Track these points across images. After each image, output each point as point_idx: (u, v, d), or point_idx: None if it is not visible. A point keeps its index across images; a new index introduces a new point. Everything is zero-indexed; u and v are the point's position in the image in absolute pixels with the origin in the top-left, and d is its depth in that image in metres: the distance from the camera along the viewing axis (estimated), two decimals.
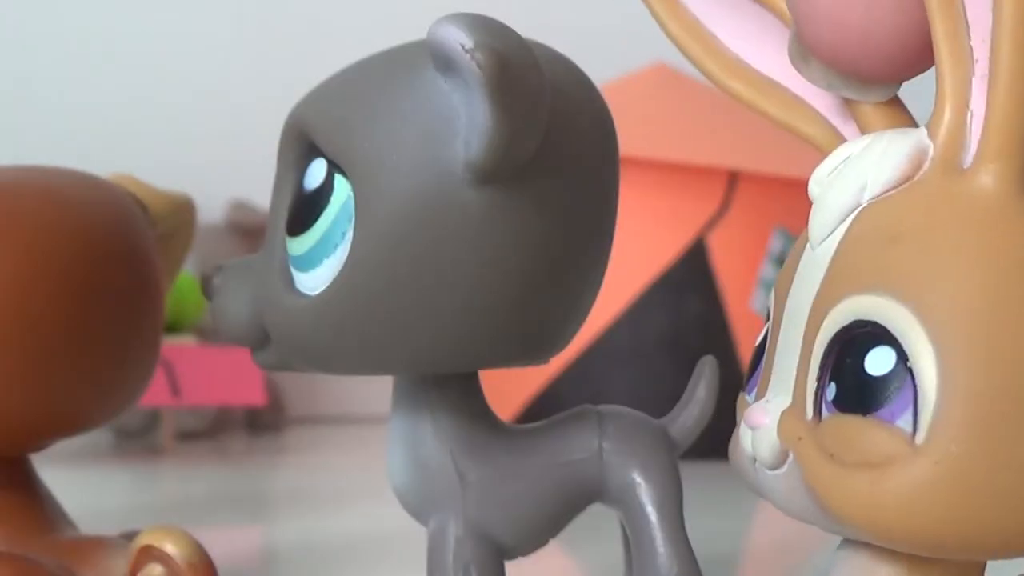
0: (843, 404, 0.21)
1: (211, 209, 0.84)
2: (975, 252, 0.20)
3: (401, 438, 0.29)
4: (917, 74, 0.24)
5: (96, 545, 0.33)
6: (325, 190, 0.26)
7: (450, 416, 0.29)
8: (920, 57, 0.23)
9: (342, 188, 0.26)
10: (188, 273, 0.76)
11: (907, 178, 0.22)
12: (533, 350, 0.28)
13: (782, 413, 0.23)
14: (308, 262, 0.27)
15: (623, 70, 0.78)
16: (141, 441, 0.80)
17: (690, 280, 0.71)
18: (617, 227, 0.29)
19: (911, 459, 0.20)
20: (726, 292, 0.71)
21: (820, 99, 0.25)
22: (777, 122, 0.26)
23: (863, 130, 0.24)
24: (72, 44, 0.95)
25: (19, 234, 0.31)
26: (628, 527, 0.30)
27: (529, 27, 0.27)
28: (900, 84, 0.24)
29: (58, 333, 0.31)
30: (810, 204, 0.24)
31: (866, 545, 0.23)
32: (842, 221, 0.23)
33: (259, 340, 0.28)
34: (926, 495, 0.20)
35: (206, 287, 0.29)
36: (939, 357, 0.20)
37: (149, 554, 0.30)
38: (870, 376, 0.21)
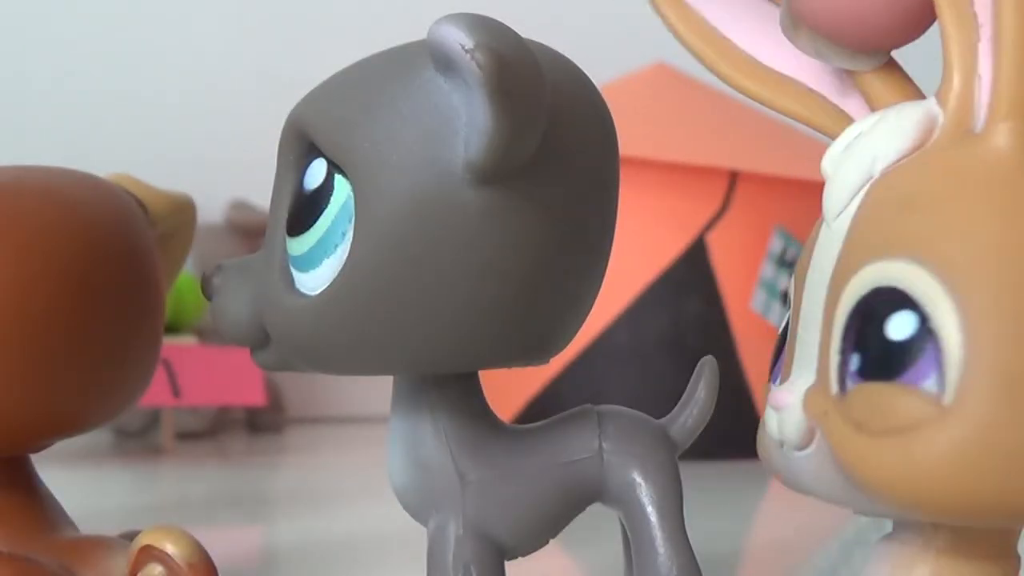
0: (867, 372, 0.21)
1: (211, 209, 0.84)
2: (991, 210, 0.20)
3: (401, 438, 0.29)
4: (908, 41, 0.24)
5: (96, 545, 0.33)
6: (325, 190, 0.26)
7: (450, 416, 0.29)
8: (910, 24, 0.23)
9: (342, 188, 0.26)
10: (188, 273, 0.76)
11: (918, 147, 0.22)
12: (533, 350, 0.28)
13: (806, 390, 0.23)
14: (308, 262, 0.27)
15: (623, 70, 0.78)
16: (141, 441, 0.80)
17: (690, 280, 0.71)
18: (617, 227, 0.29)
19: (940, 420, 0.20)
20: (726, 292, 0.71)
21: (829, 87, 0.25)
22: (794, 116, 0.26)
23: (868, 102, 0.24)
24: (72, 44, 0.95)
25: (19, 234, 0.31)
26: (628, 527, 0.30)
27: (529, 27, 0.27)
28: (890, 51, 0.24)
29: (58, 333, 0.31)
30: (815, 196, 0.24)
31: (905, 541, 0.23)
32: (856, 195, 0.23)
33: (259, 340, 0.28)
34: (958, 455, 0.20)
35: (206, 287, 0.29)
36: (962, 317, 0.20)
37: (149, 554, 0.30)
38: (892, 341, 0.21)
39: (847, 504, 0.22)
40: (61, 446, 0.36)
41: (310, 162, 0.27)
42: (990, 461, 0.20)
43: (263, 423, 0.89)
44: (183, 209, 0.37)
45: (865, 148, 0.23)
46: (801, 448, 0.23)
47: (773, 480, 0.23)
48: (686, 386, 0.32)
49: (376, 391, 0.88)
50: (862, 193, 0.23)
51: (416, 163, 0.25)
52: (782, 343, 0.25)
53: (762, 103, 0.26)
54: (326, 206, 0.26)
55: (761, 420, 0.25)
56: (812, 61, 0.25)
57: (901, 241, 0.21)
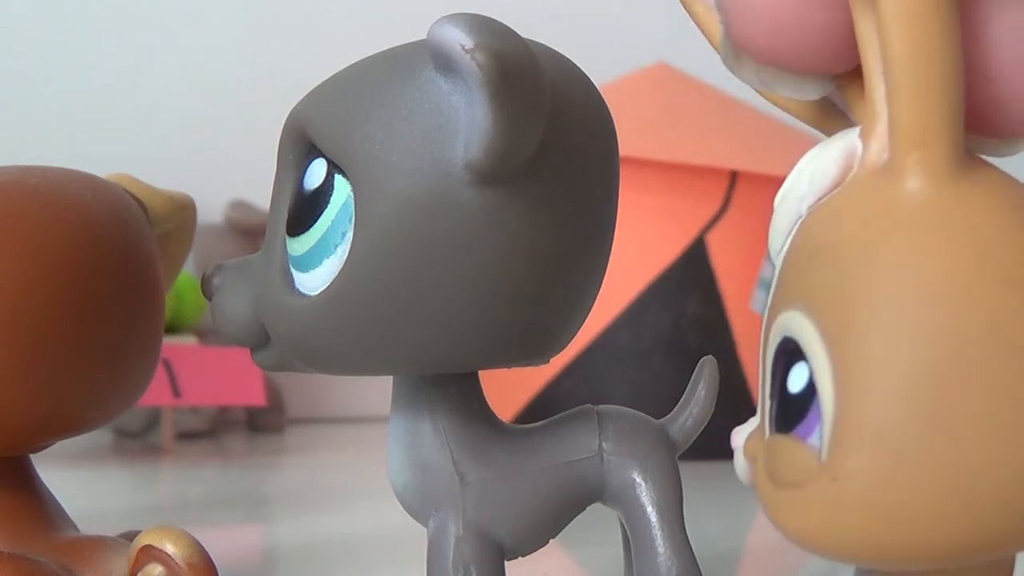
0: (777, 423, 0.21)
1: (211, 209, 0.84)
2: (883, 255, 0.20)
3: (401, 438, 0.29)
4: (851, 68, 0.23)
5: (96, 545, 0.33)
6: (325, 190, 0.26)
7: (450, 416, 0.29)
8: (854, 52, 0.23)
9: (342, 188, 0.26)
10: (188, 273, 0.76)
11: (838, 183, 0.22)
12: (533, 350, 0.28)
13: (750, 434, 0.23)
14: (308, 262, 0.27)
15: (623, 70, 0.78)
16: (141, 441, 0.80)
17: (690, 280, 0.71)
18: (617, 227, 0.29)
19: (819, 476, 0.20)
20: (726, 292, 0.71)
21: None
22: (785, 108, 0.25)
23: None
24: (71, 43, 0.95)
25: (19, 234, 0.31)
26: (628, 527, 0.30)
27: (529, 27, 0.27)
28: (834, 80, 0.24)
29: (58, 333, 0.31)
30: None
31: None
32: (789, 234, 0.22)
33: (259, 340, 0.28)
34: (834, 511, 0.20)
35: (206, 287, 0.29)
36: (835, 370, 0.20)
37: (149, 554, 0.30)
38: (791, 394, 0.21)
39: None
40: (61, 446, 0.36)
41: (310, 162, 0.27)
42: (863, 517, 0.19)
43: (263, 423, 0.89)
44: (183, 209, 0.37)
45: (796, 185, 0.22)
46: (751, 486, 0.23)
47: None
48: (686, 386, 0.32)
49: (376, 391, 0.88)
50: (792, 232, 0.22)
51: (416, 163, 0.25)
52: None
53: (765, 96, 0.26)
54: (326, 206, 0.26)
55: None
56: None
57: (802, 290, 0.21)
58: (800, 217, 0.22)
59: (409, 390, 0.29)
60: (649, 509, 0.30)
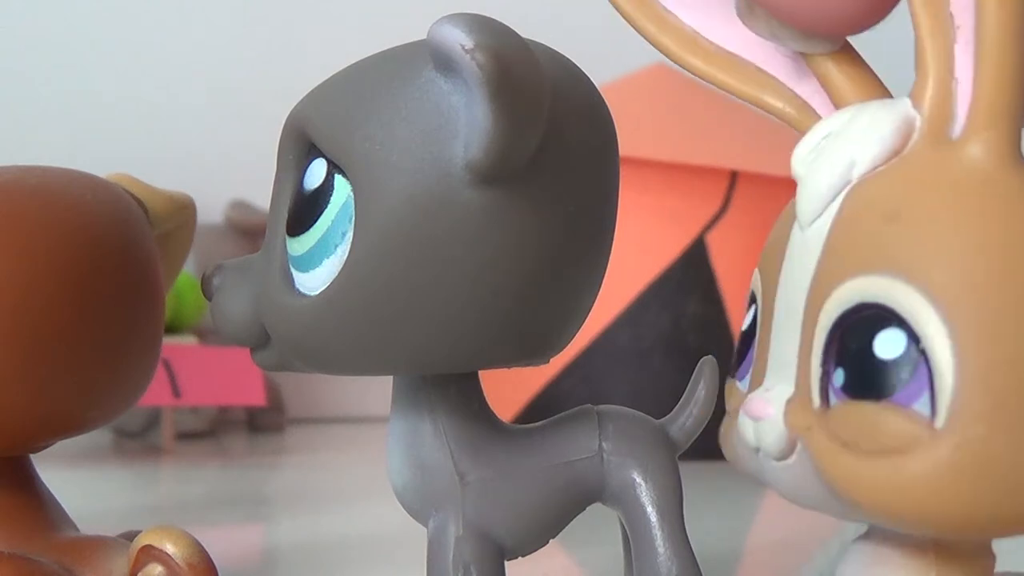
0: (853, 390, 0.21)
1: (211, 209, 0.84)
2: (975, 227, 0.20)
3: (401, 438, 0.29)
4: (866, 28, 0.23)
5: (96, 545, 0.33)
6: (325, 190, 0.26)
7: (450, 416, 0.29)
8: (869, 10, 0.23)
9: (342, 188, 0.26)
10: (188, 273, 0.76)
11: (896, 152, 0.22)
12: (533, 350, 0.28)
13: (787, 402, 0.22)
14: (308, 262, 0.27)
15: (623, 70, 0.78)
16: (141, 441, 0.80)
17: (690, 280, 0.71)
18: (617, 227, 0.29)
19: (933, 443, 0.20)
20: (726, 292, 0.71)
21: (782, 69, 0.25)
22: (742, 95, 0.26)
23: (824, 85, 0.24)
24: (72, 43, 0.95)
25: (19, 234, 0.31)
26: (628, 527, 0.30)
27: (529, 27, 0.27)
28: (845, 36, 0.24)
29: (58, 333, 0.31)
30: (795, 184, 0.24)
31: (882, 540, 0.23)
32: (832, 201, 0.22)
33: (259, 340, 0.28)
34: (951, 479, 0.20)
35: (206, 287, 0.29)
36: (953, 338, 0.20)
37: (149, 554, 0.30)
38: (880, 360, 0.21)
39: (828, 512, 0.22)
40: (61, 446, 0.36)
41: (310, 162, 0.27)
42: (983, 483, 0.20)
43: (263, 423, 0.89)
44: (183, 209, 0.37)
45: (841, 151, 0.22)
46: (781, 459, 0.22)
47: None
48: (686, 386, 0.32)
49: (376, 391, 0.88)
50: (839, 199, 0.22)
51: (416, 163, 0.25)
52: (748, 338, 0.25)
53: (709, 82, 0.26)
54: (326, 206, 0.26)
55: (725, 421, 0.25)
56: (762, 42, 0.25)
57: (886, 256, 0.21)
58: (848, 183, 0.22)
59: (409, 390, 0.29)
60: (649, 509, 0.30)
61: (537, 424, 0.31)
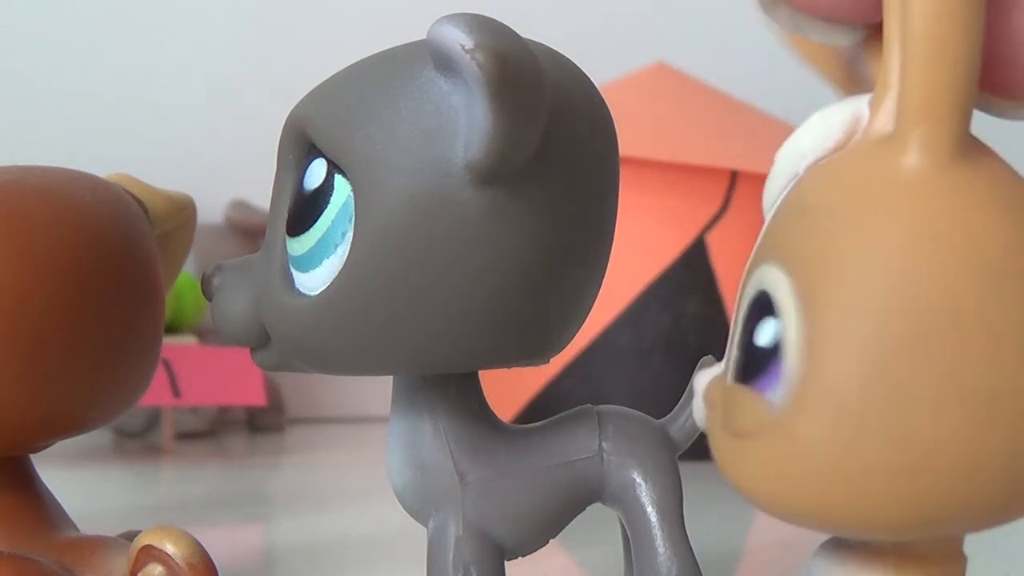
0: (738, 372, 0.21)
1: (211, 209, 0.84)
2: (868, 225, 0.20)
3: (401, 438, 0.29)
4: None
5: (96, 545, 0.33)
6: (325, 190, 0.26)
7: (450, 416, 0.29)
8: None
9: (342, 188, 0.26)
10: (188, 273, 0.76)
11: (840, 146, 0.22)
12: (533, 350, 0.28)
13: (712, 378, 0.23)
14: (308, 262, 0.27)
15: (623, 70, 0.78)
16: (141, 441, 0.80)
17: (690, 280, 0.70)
18: (617, 227, 0.29)
19: (770, 430, 0.20)
20: (726, 292, 0.71)
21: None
22: (837, 83, 0.25)
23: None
24: (72, 43, 0.95)
25: (19, 234, 0.31)
26: (628, 527, 0.30)
27: (529, 27, 0.27)
28: (866, 26, 0.24)
29: (58, 333, 0.31)
30: None
31: (844, 549, 0.23)
32: (783, 190, 0.22)
33: (259, 340, 0.28)
34: (783, 468, 0.20)
35: (206, 287, 0.29)
36: (804, 330, 0.20)
37: (149, 554, 0.30)
38: (757, 347, 0.21)
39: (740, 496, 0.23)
40: (61, 446, 0.36)
41: (310, 162, 0.27)
42: (810, 477, 0.20)
43: (263, 423, 0.89)
44: (183, 209, 0.37)
45: (795, 144, 0.23)
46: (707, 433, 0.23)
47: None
48: (686, 386, 0.32)
49: (376, 391, 0.88)
50: (787, 190, 0.22)
51: (416, 163, 0.25)
52: None
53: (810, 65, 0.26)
54: (326, 206, 0.26)
55: None
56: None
57: (783, 246, 0.21)
58: (797, 175, 0.22)
59: (409, 390, 0.29)
60: (649, 509, 0.30)
61: (537, 424, 0.31)
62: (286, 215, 0.27)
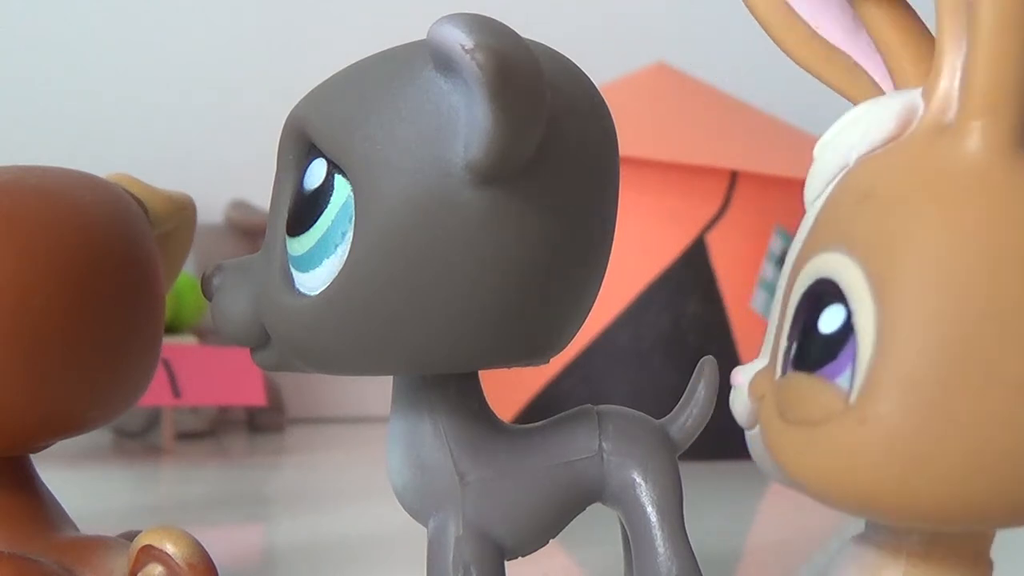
0: (797, 362, 0.21)
1: (211, 209, 0.84)
2: (940, 212, 0.20)
3: (401, 438, 0.29)
4: None
5: (96, 545, 0.33)
6: (325, 190, 0.26)
7: (450, 416, 0.29)
8: None
9: (342, 188, 0.26)
10: (188, 273, 0.76)
11: (893, 138, 0.22)
12: (533, 350, 0.28)
13: (757, 372, 0.23)
14: (308, 262, 0.27)
15: (623, 70, 0.78)
16: (141, 441, 0.80)
17: (690, 280, 0.71)
18: (617, 227, 0.29)
19: (843, 418, 0.20)
20: (726, 292, 0.71)
21: (875, 67, 0.25)
22: (839, 90, 0.25)
23: (876, 44, 0.24)
24: (71, 43, 0.95)
25: (18, 234, 0.31)
26: (628, 527, 0.30)
27: (529, 27, 0.27)
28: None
29: (58, 333, 0.31)
30: None
31: (861, 539, 0.23)
32: (831, 182, 0.22)
33: (259, 340, 0.28)
34: (854, 454, 0.20)
35: (206, 287, 0.29)
36: (879, 316, 0.20)
37: (149, 554, 0.30)
38: (821, 334, 0.21)
39: (778, 481, 0.22)
40: (61, 446, 0.36)
41: (310, 162, 0.27)
42: (886, 463, 0.20)
43: (263, 423, 0.89)
44: (183, 209, 0.37)
45: (845, 135, 0.22)
46: (749, 428, 0.23)
47: (773, 481, 0.23)
48: (686, 386, 0.32)
49: (376, 391, 0.88)
50: (836, 180, 0.22)
51: (416, 163, 0.25)
52: None
53: (810, 72, 0.26)
54: (326, 206, 0.26)
55: None
56: (862, 37, 0.25)
57: (847, 234, 0.21)
58: (847, 166, 0.22)
59: (409, 390, 0.29)
60: (649, 509, 0.30)
61: (537, 424, 0.31)
62: (286, 215, 0.27)
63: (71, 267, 0.31)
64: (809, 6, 0.25)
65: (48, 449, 0.34)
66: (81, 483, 0.65)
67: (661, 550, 0.30)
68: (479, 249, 0.25)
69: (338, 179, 0.26)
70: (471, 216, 0.25)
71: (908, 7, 0.24)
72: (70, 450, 0.72)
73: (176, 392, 0.74)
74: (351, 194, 0.26)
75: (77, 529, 0.35)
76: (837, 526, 0.51)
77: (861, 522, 0.24)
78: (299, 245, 0.27)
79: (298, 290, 0.27)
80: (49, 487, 0.35)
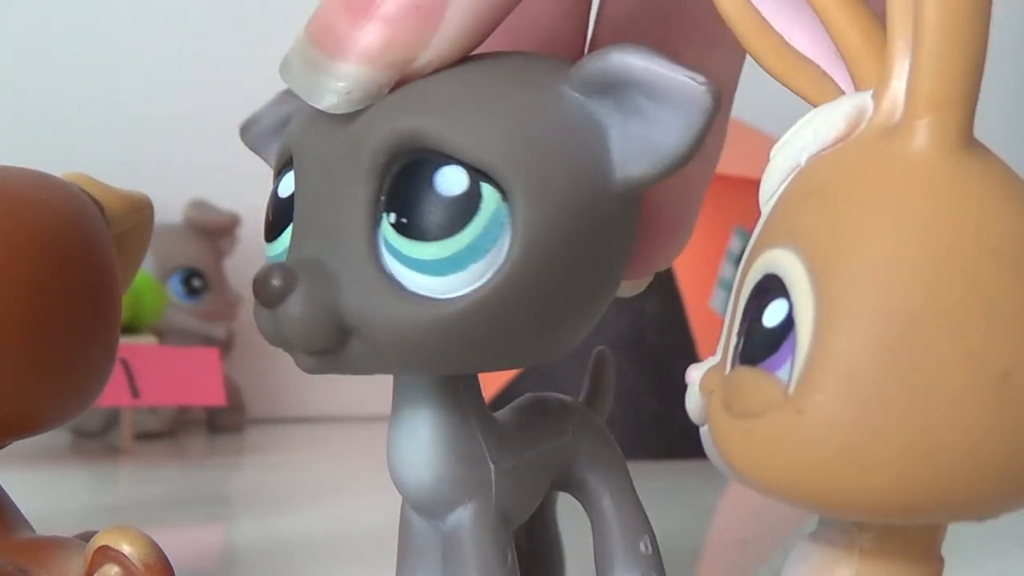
0: (743, 356, 0.21)
1: (170, 208, 0.84)
2: (883, 207, 0.20)
3: (427, 435, 0.29)
4: None
5: (52, 546, 0.32)
6: (471, 196, 0.26)
7: (476, 410, 0.29)
8: None
9: (491, 195, 0.26)
10: (146, 273, 0.76)
11: (843, 138, 0.22)
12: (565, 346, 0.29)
13: (709, 369, 0.23)
14: (446, 267, 0.26)
15: None
16: (100, 441, 0.80)
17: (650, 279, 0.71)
18: None
19: (780, 409, 0.20)
20: (686, 291, 0.71)
21: (843, 77, 0.25)
22: (806, 98, 0.25)
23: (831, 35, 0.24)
24: (29, 43, 0.94)
25: None
26: (595, 504, 0.32)
27: None
28: None
29: (13, 333, 0.31)
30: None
31: (813, 537, 0.23)
32: (783, 182, 0.23)
33: (332, 343, 0.27)
34: (792, 445, 0.20)
35: (263, 291, 0.27)
36: (818, 308, 0.20)
37: (105, 555, 0.30)
38: (765, 328, 0.21)
39: (729, 476, 0.22)
40: (18, 446, 0.35)
41: (436, 169, 0.26)
42: (822, 452, 0.20)
43: (223, 423, 0.89)
44: (140, 208, 0.37)
45: (798, 137, 0.23)
46: (701, 424, 0.23)
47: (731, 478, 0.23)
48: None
49: (334, 392, 0.88)
50: (787, 181, 0.23)
51: (575, 175, 0.26)
52: None
53: (779, 80, 0.26)
54: (475, 212, 0.26)
55: None
56: (830, 47, 0.25)
57: (792, 229, 0.21)
58: (798, 166, 0.22)
59: (430, 389, 0.29)
60: (613, 485, 0.31)
61: (518, 412, 0.31)
62: (366, 217, 0.26)
63: (26, 267, 0.31)
64: (781, 17, 0.25)
65: (5, 449, 0.34)
66: (39, 483, 0.65)
67: (631, 524, 0.31)
68: (615, 248, 0.27)
69: (485, 187, 0.26)
70: (615, 221, 0.27)
71: (872, 13, 0.24)
72: (28, 450, 0.71)
73: (135, 392, 0.73)
74: (502, 201, 0.26)
75: (33, 530, 0.34)
76: (797, 524, 0.51)
77: (817, 520, 0.24)
78: (433, 250, 0.26)
79: (414, 292, 0.26)
80: (6, 488, 0.35)
